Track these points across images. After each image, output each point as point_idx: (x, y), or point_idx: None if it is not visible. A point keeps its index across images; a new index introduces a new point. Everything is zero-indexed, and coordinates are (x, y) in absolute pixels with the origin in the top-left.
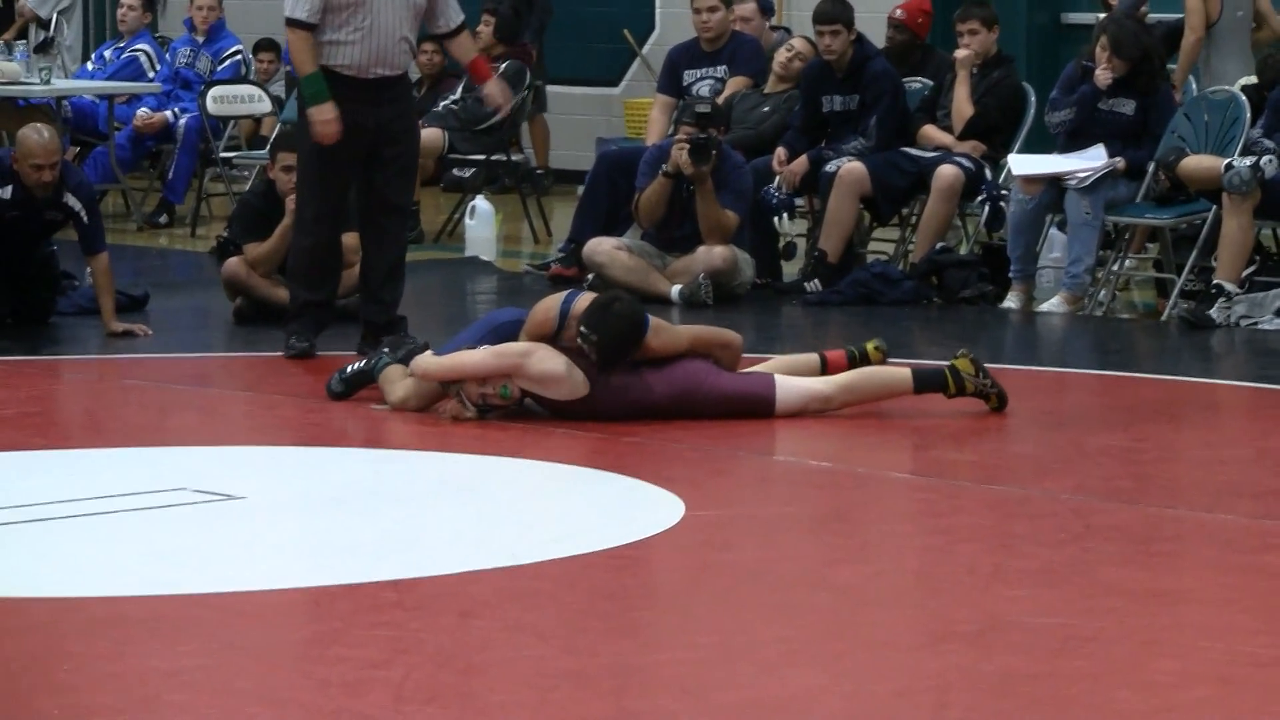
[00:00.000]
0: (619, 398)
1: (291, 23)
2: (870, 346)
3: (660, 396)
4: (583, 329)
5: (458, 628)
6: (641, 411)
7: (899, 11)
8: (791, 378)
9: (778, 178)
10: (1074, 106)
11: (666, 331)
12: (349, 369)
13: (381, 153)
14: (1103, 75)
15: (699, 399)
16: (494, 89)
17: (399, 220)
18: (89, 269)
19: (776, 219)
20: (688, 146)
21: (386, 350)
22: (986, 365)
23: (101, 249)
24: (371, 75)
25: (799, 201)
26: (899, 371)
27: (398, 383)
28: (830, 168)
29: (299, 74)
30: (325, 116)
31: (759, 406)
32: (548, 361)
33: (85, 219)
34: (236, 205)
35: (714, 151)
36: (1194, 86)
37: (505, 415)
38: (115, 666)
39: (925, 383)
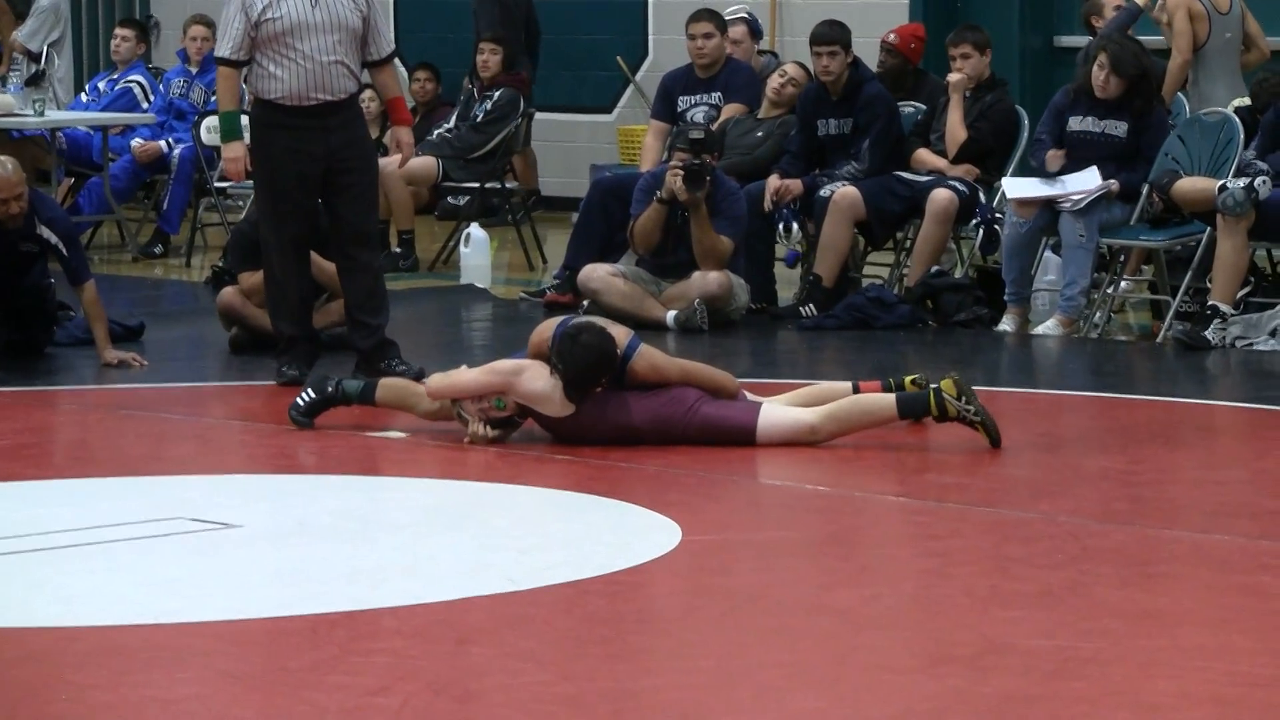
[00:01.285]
0: (602, 418)
1: (217, 60)
2: (908, 380)
3: (642, 421)
4: (552, 358)
5: (455, 654)
6: (624, 433)
7: (892, 36)
8: (780, 408)
9: (768, 199)
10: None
11: (656, 357)
12: (301, 399)
13: (337, 180)
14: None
15: (681, 425)
16: (404, 136)
17: (367, 246)
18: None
19: (781, 230)
20: (682, 173)
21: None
22: (979, 388)
23: (86, 279)
24: (311, 102)
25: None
26: (883, 398)
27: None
28: (824, 192)
29: (218, 110)
30: (233, 155)
31: (740, 435)
32: (536, 381)
33: (64, 251)
34: (232, 234)
35: (708, 177)
36: (1185, 109)
37: (503, 443)
38: (112, 696)
39: (909, 408)
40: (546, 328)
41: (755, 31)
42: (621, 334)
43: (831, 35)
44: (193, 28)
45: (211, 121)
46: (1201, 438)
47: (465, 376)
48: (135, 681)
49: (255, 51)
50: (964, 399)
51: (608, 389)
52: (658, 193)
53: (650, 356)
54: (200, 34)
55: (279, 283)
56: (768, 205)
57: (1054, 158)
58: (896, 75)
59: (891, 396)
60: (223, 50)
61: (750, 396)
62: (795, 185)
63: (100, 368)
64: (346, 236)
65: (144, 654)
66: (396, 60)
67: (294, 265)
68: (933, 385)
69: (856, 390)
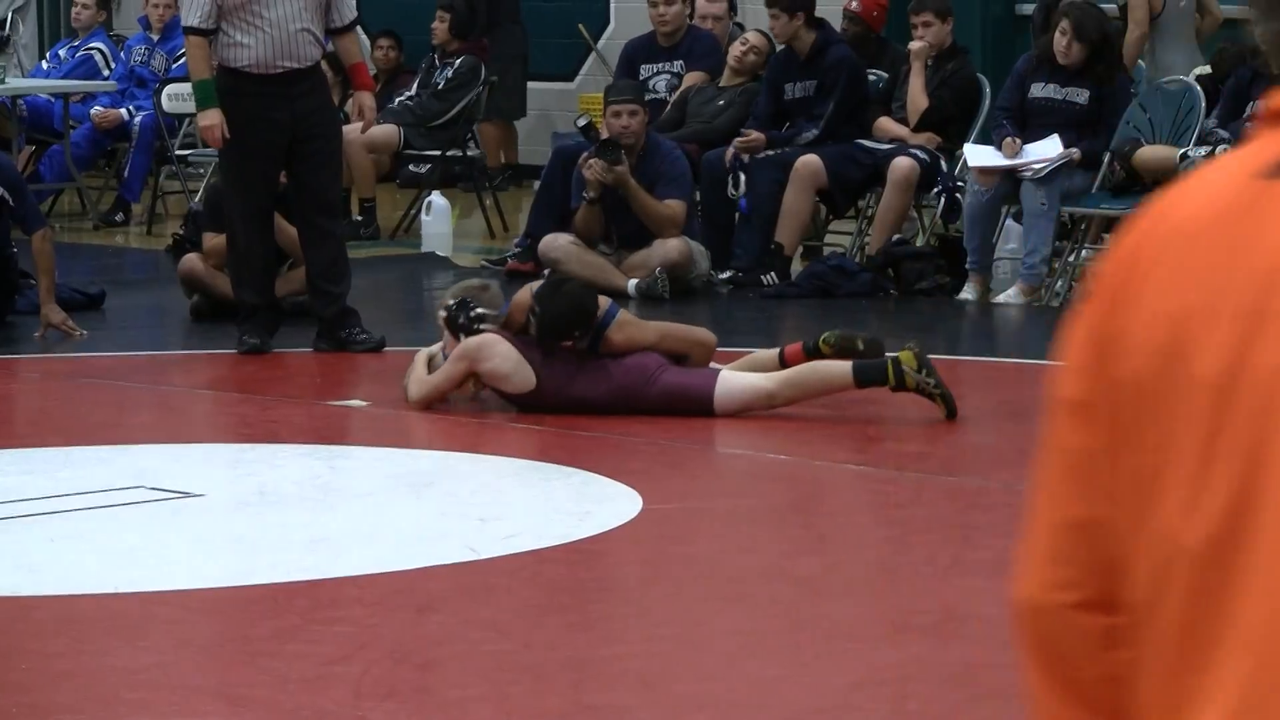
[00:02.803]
0: (563, 393)
1: (186, 30)
2: (820, 341)
3: (604, 392)
4: (532, 302)
5: (416, 623)
6: (585, 405)
7: (854, 4)
8: (737, 375)
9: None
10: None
11: (632, 328)
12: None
13: (303, 148)
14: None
15: (640, 395)
16: (367, 101)
17: (330, 214)
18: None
19: (730, 182)
20: (595, 163)
21: None
22: (941, 356)
23: (38, 227)
24: (278, 69)
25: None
26: (840, 365)
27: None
28: (759, 156)
29: (191, 79)
30: (209, 122)
31: (699, 404)
32: (494, 359)
33: (11, 202)
34: (204, 190)
35: (620, 148)
36: (1145, 78)
37: (463, 409)
38: (72, 665)
39: (866, 376)
40: (530, 289)
41: (733, 6)
42: (601, 301)
43: (781, 1)
44: None
45: (173, 89)
46: None
47: (438, 378)
48: (95, 650)
49: (221, 20)
50: (923, 371)
51: (577, 358)
52: (584, 194)
53: (627, 327)
54: (162, 0)
55: (242, 251)
56: (728, 156)
57: (1009, 145)
58: (859, 43)
59: (848, 364)
60: (191, 19)
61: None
62: (759, 137)
63: (45, 330)
64: (310, 204)
65: (104, 623)
66: (359, 27)
67: (257, 234)
68: (891, 355)
69: (782, 357)
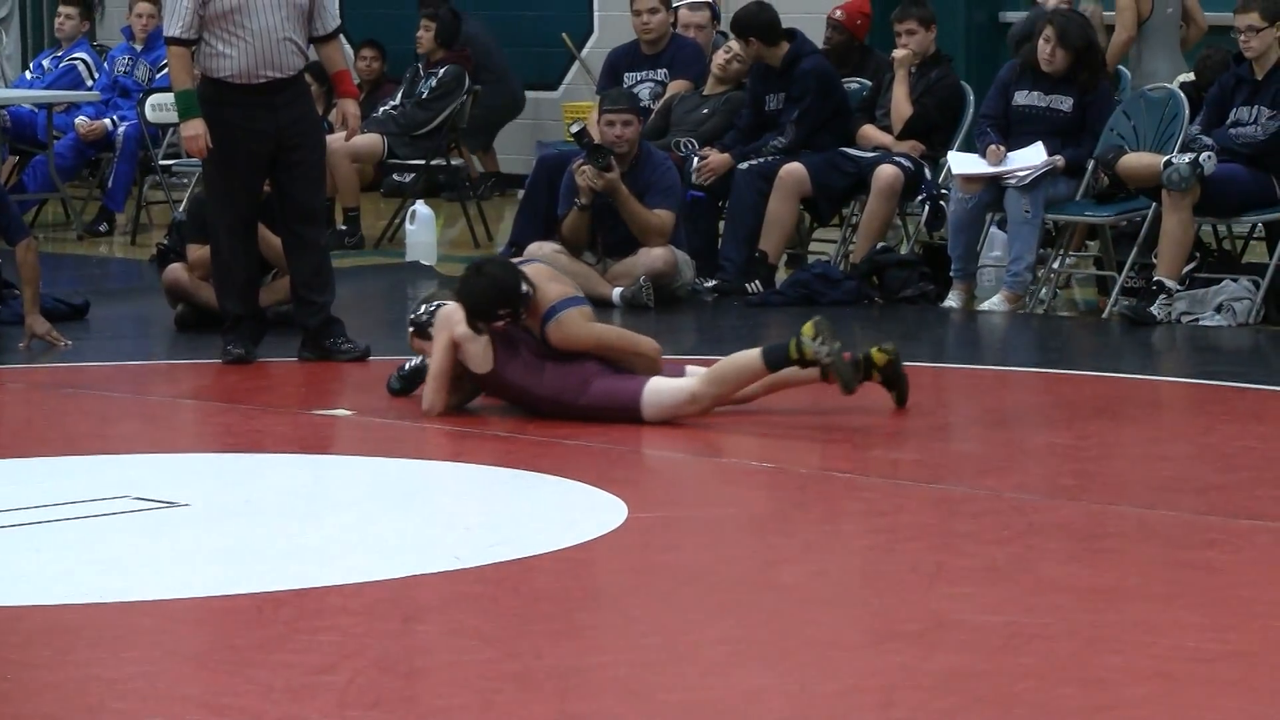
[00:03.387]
0: (512, 379)
1: (168, 40)
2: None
3: (543, 391)
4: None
5: (402, 632)
6: (528, 399)
7: (838, 12)
8: (664, 381)
9: (694, 172)
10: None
11: (572, 327)
12: (406, 366)
13: (286, 157)
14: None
15: (572, 402)
16: (350, 108)
17: (314, 223)
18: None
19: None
20: (587, 169)
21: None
22: (925, 364)
23: (21, 236)
24: (261, 79)
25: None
26: (751, 353)
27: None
28: (743, 166)
29: (173, 89)
30: (192, 132)
31: (627, 411)
32: (464, 324)
33: None
34: (188, 201)
35: (610, 155)
36: (1128, 83)
37: (447, 420)
38: (57, 675)
39: (774, 359)
40: None
41: (716, 15)
42: (554, 291)
43: (733, 26)
44: (138, 4)
45: (156, 99)
46: (1147, 413)
47: (432, 368)
48: (80, 660)
49: (204, 30)
50: (819, 339)
51: (527, 351)
52: (575, 199)
53: (568, 326)
54: (145, 10)
55: (226, 262)
56: (695, 179)
57: (994, 153)
58: (843, 51)
59: (758, 350)
60: (173, 29)
61: (689, 369)
62: (718, 161)
63: (29, 340)
64: (294, 213)
65: (89, 633)
66: (341, 37)
67: (242, 244)
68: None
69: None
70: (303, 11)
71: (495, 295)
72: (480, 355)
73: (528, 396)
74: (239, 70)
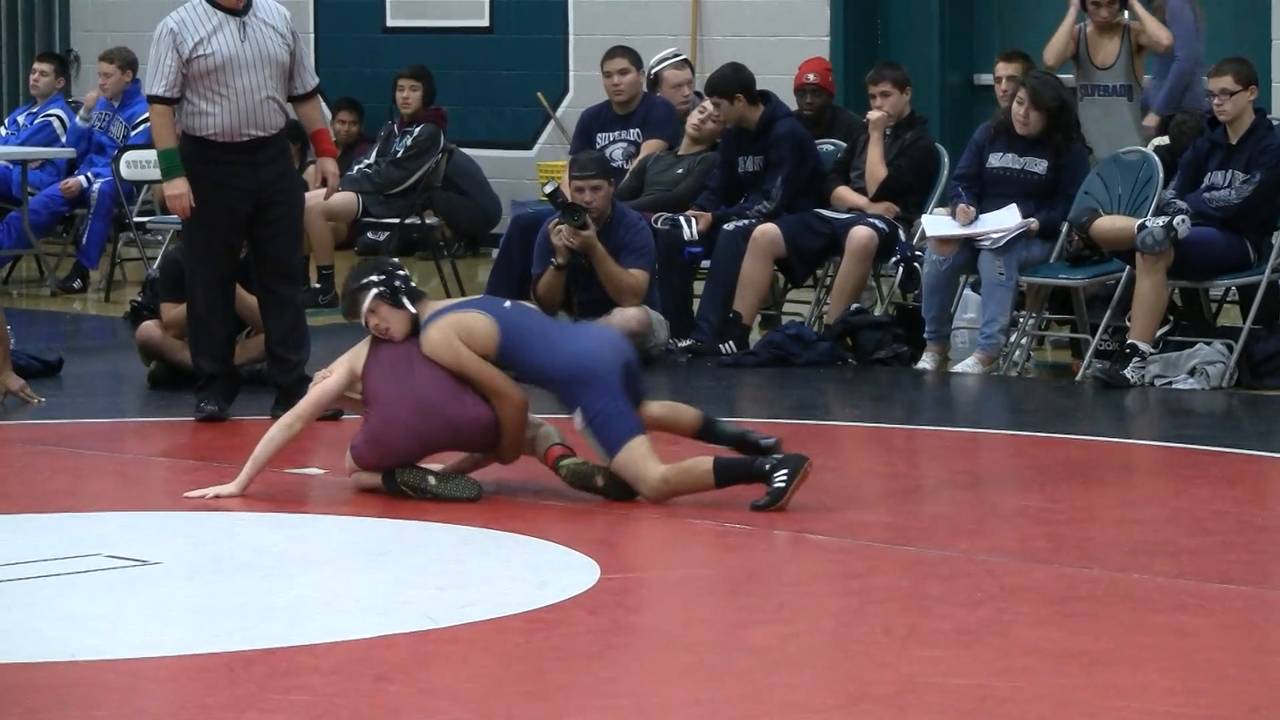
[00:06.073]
0: (398, 379)
1: (150, 99)
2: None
3: (419, 399)
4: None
5: (373, 692)
6: (415, 404)
7: (811, 75)
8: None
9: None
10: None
11: (439, 336)
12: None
13: (265, 215)
14: (1020, 126)
15: (438, 416)
16: (330, 167)
17: (290, 281)
18: None
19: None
20: (563, 228)
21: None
22: (898, 425)
23: None
24: (244, 138)
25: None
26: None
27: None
28: (728, 227)
29: (156, 148)
30: (176, 191)
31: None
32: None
33: None
34: (161, 260)
35: (585, 213)
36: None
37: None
38: None
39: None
40: None
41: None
42: (443, 304)
43: (714, 87)
44: (100, 64)
45: (131, 156)
46: (1120, 476)
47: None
48: (50, 719)
49: (186, 88)
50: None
51: (409, 357)
52: (552, 260)
53: (432, 342)
54: (105, 69)
55: (202, 320)
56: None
57: (963, 212)
58: (823, 112)
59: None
60: (155, 88)
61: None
62: (705, 217)
63: (2, 397)
64: (271, 270)
65: (59, 691)
66: (319, 97)
67: (220, 302)
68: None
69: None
70: (284, 69)
71: (348, 296)
72: (338, 378)
73: (411, 391)
74: (222, 129)
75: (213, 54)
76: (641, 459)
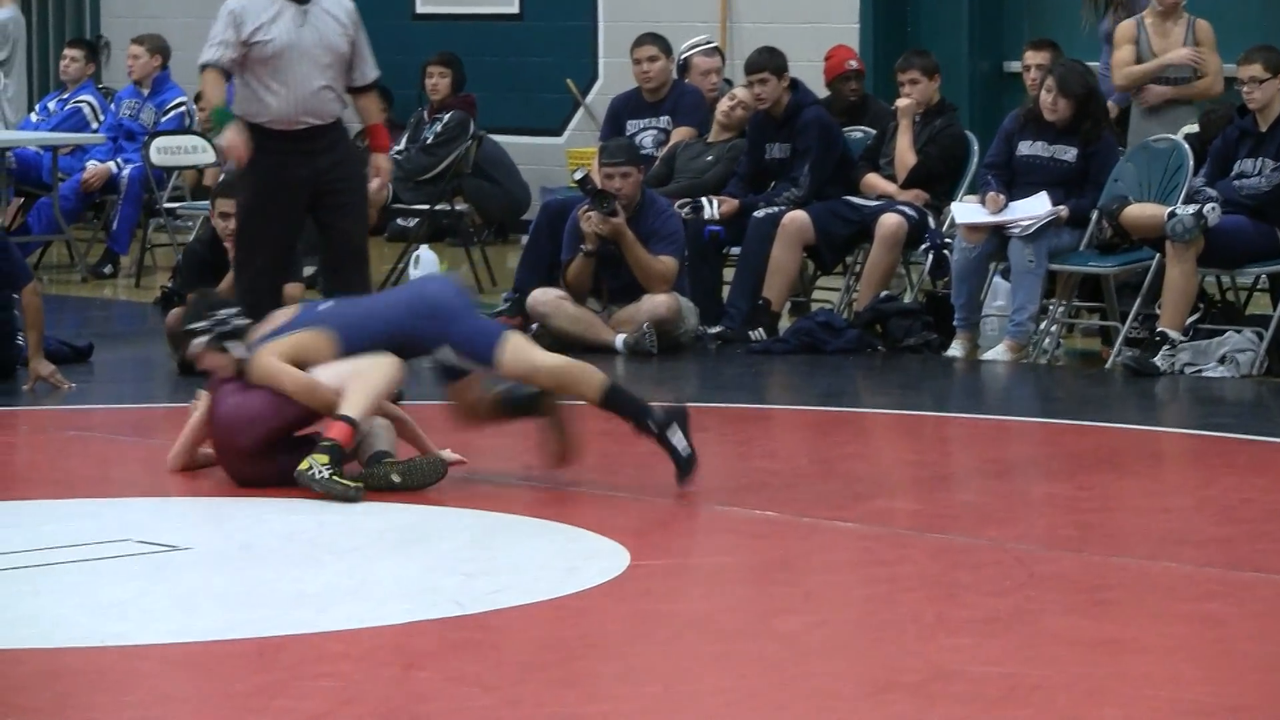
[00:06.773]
0: (229, 407)
1: (202, 65)
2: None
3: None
4: None
5: (402, 679)
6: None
7: (853, 63)
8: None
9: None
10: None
11: (264, 370)
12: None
13: (328, 200)
14: (1049, 114)
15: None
16: (383, 163)
17: (359, 263)
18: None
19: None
20: (593, 215)
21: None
22: (927, 413)
23: (26, 281)
24: (300, 126)
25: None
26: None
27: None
28: (758, 214)
29: (208, 108)
30: (230, 139)
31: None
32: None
33: None
34: (183, 254)
35: (615, 200)
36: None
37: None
38: None
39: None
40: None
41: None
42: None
43: (759, 63)
44: (130, 47)
45: (161, 142)
46: (1149, 465)
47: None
48: (79, 704)
49: (245, 74)
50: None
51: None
52: (581, 246)
53: (259, 364)
54: (135, 51)
55: (250, 306)
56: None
57: (993, 200)
58: (865, 97)
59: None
60: (209, 56)
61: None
62: (729, 207)
63: (33, 383)
64: (340, 255)
65: (89, 677)
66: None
67: (266, 290)
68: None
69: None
70: (343, 59)
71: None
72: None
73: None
74: (279, 116)
75: (271, 40)
76: (524, 349)
